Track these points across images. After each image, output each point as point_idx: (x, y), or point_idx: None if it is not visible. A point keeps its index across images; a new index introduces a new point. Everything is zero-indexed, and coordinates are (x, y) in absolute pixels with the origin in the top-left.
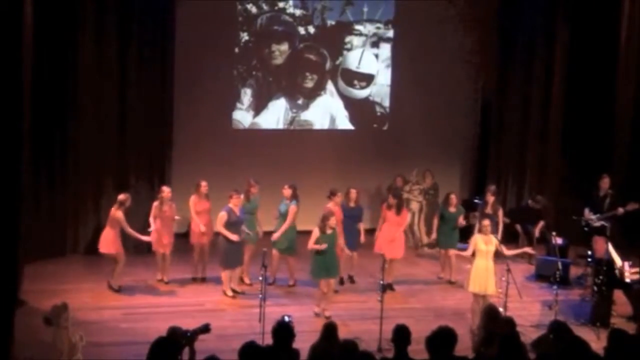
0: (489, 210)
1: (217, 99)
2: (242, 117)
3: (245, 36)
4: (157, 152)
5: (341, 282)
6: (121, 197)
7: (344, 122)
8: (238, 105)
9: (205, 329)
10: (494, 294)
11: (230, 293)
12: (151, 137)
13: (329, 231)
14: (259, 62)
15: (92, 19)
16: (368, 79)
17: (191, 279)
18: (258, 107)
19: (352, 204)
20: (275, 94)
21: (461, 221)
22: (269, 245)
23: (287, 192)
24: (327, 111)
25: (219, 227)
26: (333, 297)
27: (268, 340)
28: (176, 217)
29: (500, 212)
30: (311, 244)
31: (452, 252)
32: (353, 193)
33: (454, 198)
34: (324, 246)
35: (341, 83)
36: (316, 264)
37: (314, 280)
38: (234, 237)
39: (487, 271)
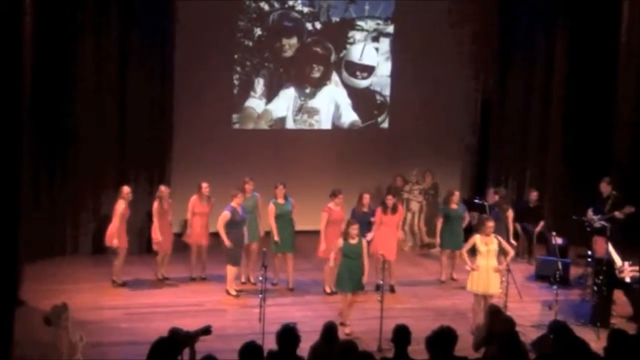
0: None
1: (218, 99)
2: (256, 104)
3: (258, 31)
4: (157, 152)
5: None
6: (124, 189)
7: (347, 110)
8: (251, 93)
9: (206, 330)
10: (496, 294)
11: (233, 292)
12: (151, 136)
13: (352, 241)
14: (271, 55)
15: (93, 17)
16: (369, 70)
17: (190, 278)
18: (270, 95)
19: (365, 209)
20: (285, 83)
21: (466, 216)
22: (269, 246)
23: (281, 191)
24: (332, 99)
25: (219, 226)
26: (353, 309)
27: (268, 340)
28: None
29: (510, 213)
30: (332, 253)
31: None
32: (366, 198)
33: (455, 195)
34: (331, 260)
35: (345, 74)
36: (340, 276)
37: (338, 291)
38: (227, 242)
39: (487, 271)
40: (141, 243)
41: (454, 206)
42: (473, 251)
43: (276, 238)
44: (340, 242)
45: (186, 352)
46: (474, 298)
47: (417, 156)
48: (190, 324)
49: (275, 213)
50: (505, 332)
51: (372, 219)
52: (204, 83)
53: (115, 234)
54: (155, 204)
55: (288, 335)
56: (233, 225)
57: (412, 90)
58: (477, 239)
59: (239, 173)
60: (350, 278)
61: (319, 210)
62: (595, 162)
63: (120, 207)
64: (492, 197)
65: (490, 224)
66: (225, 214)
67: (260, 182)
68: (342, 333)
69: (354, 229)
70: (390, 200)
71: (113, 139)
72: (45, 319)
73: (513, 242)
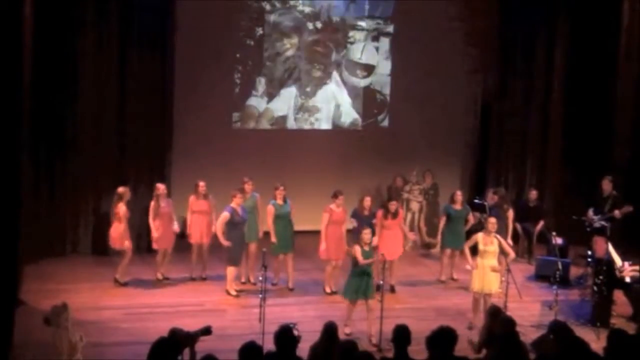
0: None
1: (219, 98)
2: (257, 103)
3: (259, 30)
4: (157, 152)
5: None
6: (120, 189)
7: (347, 109)
8: (253, 92)
9: (207, 331)
10: (495, 293)
11: (233, 292)
12: (151, 137)
13: (366, 247)
14: (273, 54)
15: (93, 17)
16: (369, 69)
17: (190, 278)
18: (271, 94)
19: (366, 212)
20: (287, 82)
21: (470, 218)
22: (269, 246)
23: (281, 192)
24: (333, 98)
25: (218, 227)
26: (373, 317)
27: (268, 340)
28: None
29: (510, 213)
30: (362, 260)
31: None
32: (367, 201)
33: (459, 195)
34: (373, 260)
35: (345, 73)
36: (349, 285)
37: (345, 299)
38: (224, 242)
39: (485, 270)
40: (141, 243)
41: (457, 206)
42: (476, 251)
43: (273, 239)
44: (358, 249)
45: (186, 352)
46: (473, 297)
47: (417, 156)
48: (190, 324)
49: (275, 214)
50: (506, 333)
51: (374, 221)
52: (205, 82)
53: (122, 237)
54: (152, 203)
55: (285, 336)
56: (233, 225)
57: (412, 90)
58: (479, 237)
59: (239, 173)
60: (358, 289)
61: (319, 210)
62: (595, 162)
63: (122, 209)
64: (492, 197)
65: (493, 220)
66: (225, 215)
67: (260, 182)
68: (342, 333)
69: (367, 234)
70: (393, 205)
71: (113, 139)
72: (45, 319)
73: (510, 241)
